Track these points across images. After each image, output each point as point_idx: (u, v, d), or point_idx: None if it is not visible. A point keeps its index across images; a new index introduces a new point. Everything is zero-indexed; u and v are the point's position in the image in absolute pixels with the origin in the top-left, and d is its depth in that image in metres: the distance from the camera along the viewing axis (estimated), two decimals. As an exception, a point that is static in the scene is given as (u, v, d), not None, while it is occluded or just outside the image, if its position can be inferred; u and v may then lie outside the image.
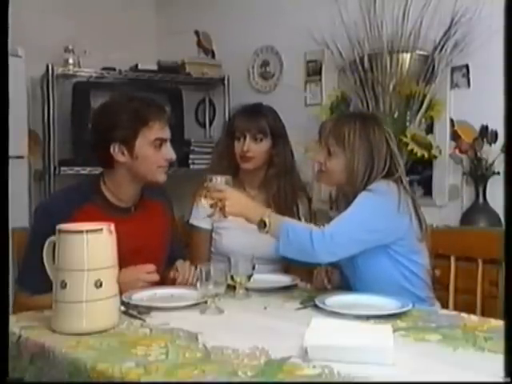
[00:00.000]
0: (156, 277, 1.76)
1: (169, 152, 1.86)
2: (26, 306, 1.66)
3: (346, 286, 1.90)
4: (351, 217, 1.73)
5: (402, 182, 1.82)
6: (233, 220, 2.11)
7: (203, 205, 2.23)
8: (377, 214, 1.73)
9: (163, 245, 1.97)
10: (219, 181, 1.78)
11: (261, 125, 2.25)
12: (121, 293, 1.55)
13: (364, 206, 1.74)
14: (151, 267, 1.77)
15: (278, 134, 2.29)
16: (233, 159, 2.28)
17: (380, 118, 2.02)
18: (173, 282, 1.86)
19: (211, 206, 1.77)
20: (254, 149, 2.23)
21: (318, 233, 1.67)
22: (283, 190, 2.26)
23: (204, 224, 2.27)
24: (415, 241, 1.83)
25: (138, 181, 1.88)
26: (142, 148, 1.81)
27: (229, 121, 2.44)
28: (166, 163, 1.87)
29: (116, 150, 1.81)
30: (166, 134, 1.86)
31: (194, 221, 2.30)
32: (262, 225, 1.72)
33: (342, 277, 1.92)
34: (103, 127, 1.84)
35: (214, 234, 2.27)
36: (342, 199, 1.93)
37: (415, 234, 1.81)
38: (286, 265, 2.24)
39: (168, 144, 1.87)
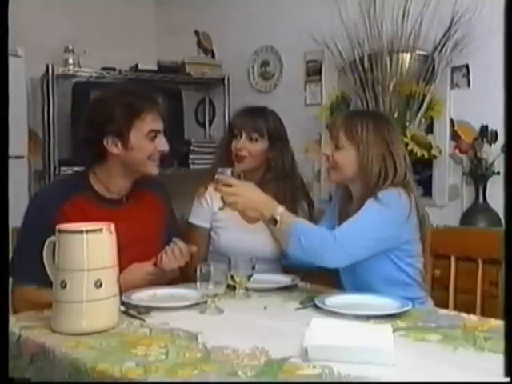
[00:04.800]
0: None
1: (162, 144, 1.88)
2: (32, 300, 1.66)
3: (339, 283, 1.90)
4: (361, 224, 1.72)
5: (409, 187, 1.79)
6: (231, 219, 2.12)
7: (205, 200, 2.25)
8: (384, 223, 1.73)
9: (157, 235, 1.95)
10: (229, 173, 1.76)
11: (257, 124, 2.23)
12: (121, 293, 1.56)
13: (373, 215, 1.73)
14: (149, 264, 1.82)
15: (277, 137, 2.25)
16: (231, 159, 2.28)
17: (393, 120, 2.00)
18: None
19: (222, 198, 1.75)
20: (248, 148, 2.21)
21: (329, 237, 1.65)
22: (282, 195, 2.18)
23: (203, 223, 2.26)
24: (416, 245, 1.84)
25: (130, 173, 1.89)
26: (137, 140, 1.83)
27: (230, 120, 2.46)
28: (159, 155, 1.88)
29: (110, 143, 1.82)
30: (160, 125, 1.88)
31: (192, 219, 2.29)
32: (273, 221, 1.70)
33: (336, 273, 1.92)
34: (96, 121, 1.85)
35: (212, 233, 2.27)
36: (345, 201, 1.92)
37: (417, 238, 1.82)
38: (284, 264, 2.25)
39: (162, 136, 1.88)
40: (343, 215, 1.88)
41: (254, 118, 2.25)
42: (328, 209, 2.09)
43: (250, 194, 1.74)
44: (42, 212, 1.77)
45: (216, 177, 1.77)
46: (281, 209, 1.72)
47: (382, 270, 1.79)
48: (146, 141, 1.84)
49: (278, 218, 1.68)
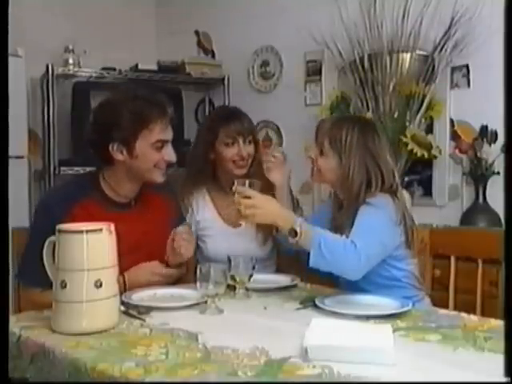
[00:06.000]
0: (171, 270, 1.83)
1: (169, 154, 1.84)
2: (38, 302, 1.65)
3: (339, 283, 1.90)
4: (370, 230, 1.71)
5: (396, 194, 1.82)
6: (215, 226, 2.14)
7: (186, 211, 2.22)
8: (384, 226, 1.74)
9: (166, 237, 1.92)
10: (247, 185, 1.73)
11: (251, 127, 2.27)
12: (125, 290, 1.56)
13: (376, 220, 1.73)
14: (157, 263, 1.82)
15: (255, 132, 2.33)
16: (211, 165, 2.26)
17: (379, 128, 2.00)
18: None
19: (239, 210, 1.71)
20: (248, 151, 2.23)
21: (350, 247, 1.64)
22: (264, 184, 2.22)
23: None
24: (403, 250, 1.84)
25: (136, 179, 1.87)
26: (142, 149, 1.79)
27: (207, 127, 2.35)
28: (165, 164, 1.85)
29: (115, 149, 1.79)
30: (168, 135, 1.83)
31: None
32: (292, 233, 1.66)
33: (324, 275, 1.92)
34: (103, 125, 1.81)
35: (199, 242, 2.24)
36: (336, 208, 1.94)
37: (404, 242, 1.83)
38: (276, 263, 2.28)
39: (169, 145, 1.84)
40: (334, 221, 1.90)
41: (246, 122, 2.26)
42: (322, 209, 2.09)
43: (269, 206, 1.71)
44: (50, 214, 1.74)
45: (234, 188, 1.73)
46: (300, 220, 1.70)
47: (373, 278, 1.78)
48: (151, 150, 1.80)
49: (298, 229, 1.65)
